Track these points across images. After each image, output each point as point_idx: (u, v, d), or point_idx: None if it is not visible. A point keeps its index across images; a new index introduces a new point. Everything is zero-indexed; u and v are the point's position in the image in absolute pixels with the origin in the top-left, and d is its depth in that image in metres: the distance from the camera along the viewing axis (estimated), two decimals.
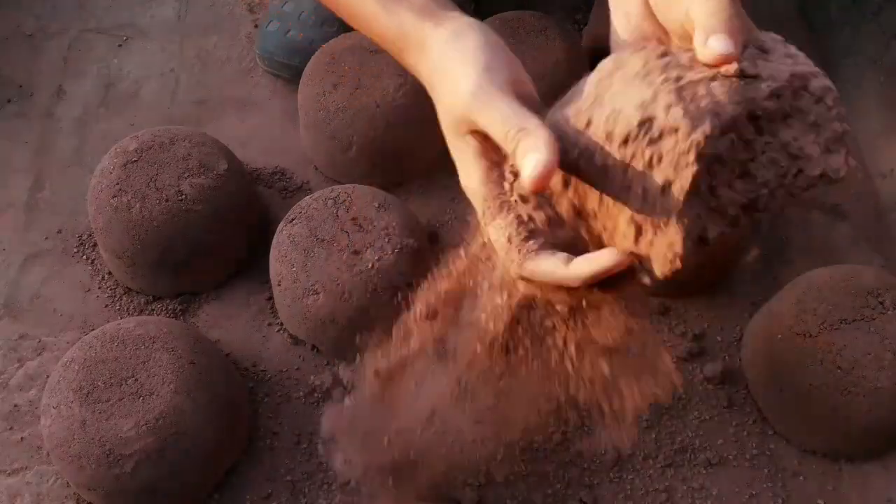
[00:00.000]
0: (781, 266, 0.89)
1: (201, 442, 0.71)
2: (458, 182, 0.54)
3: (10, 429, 0.80)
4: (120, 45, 1.11)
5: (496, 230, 0.50)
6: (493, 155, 0.51)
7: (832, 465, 0.77)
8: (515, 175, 0.49)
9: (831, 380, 0.71)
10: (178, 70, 1.08)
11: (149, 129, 0.87)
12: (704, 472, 0.76)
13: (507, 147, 0.47)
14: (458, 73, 0.50)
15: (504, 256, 0.50)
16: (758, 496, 0.75)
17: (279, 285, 0.81)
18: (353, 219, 0.80)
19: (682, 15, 0.47)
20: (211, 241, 0.85)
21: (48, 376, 0.77)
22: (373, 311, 0.78)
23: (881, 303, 0.73)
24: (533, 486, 0.75)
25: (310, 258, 0.78)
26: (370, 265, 0.78)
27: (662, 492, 0.75)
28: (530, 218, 0.49)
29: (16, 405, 0.81)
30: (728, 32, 0.44)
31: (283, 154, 0.99)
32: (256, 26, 1.11)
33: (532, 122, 0.46)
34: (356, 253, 0.78)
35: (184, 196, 0.82)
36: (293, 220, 0.81)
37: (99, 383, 0.71)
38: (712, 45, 0.44)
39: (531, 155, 0.44)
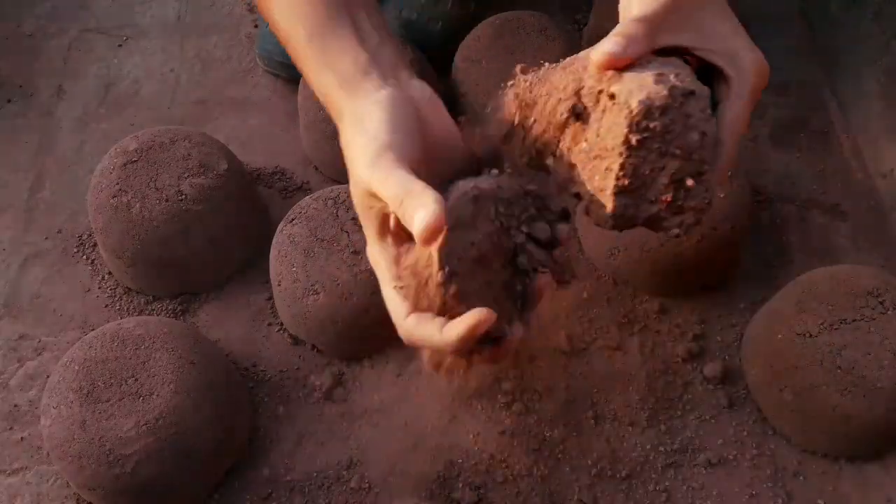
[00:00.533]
0: (781, 266, 0.89)
1: (201, 442, 0.71)
2: None
3: (10, 429, 0.80)
4: (120, 45, 1.12)
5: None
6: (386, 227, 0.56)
7: (832, 465, 0.77)
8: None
9: (831, 380, 0.71)
10: (178, 70, 1.08)
11: (149, 129, 0.87)
12: (704, 472, 0.76)
13: (397, 211, 0.49)
14: (358, 151, 0.53)
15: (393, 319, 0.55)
16: (758, 496, 0.75)
17: (279, 285, 0.81)
18: (354, 219, 0.80)
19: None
20: (211, 241, 0.85)
21: (48, 376, 0.77)
22: (373, 311, 0.78)
23: (881, 303, 0.74)
24: (532, 485, 0.75)
25: (310, 258, 0.78)
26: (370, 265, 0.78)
27: (662, 492, 0.75)
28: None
29: (16, 405, 0.81)
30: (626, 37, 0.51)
31: (283, 154, 0.99)
32: (256, 26, 1.11)
33: (417, 185, 0.49)
34: (356, 253, 0.78)
35: (184, 196, 0.82)
36: (293, 220, 0.81)
37: (99, 383, 0.71)
38: (599, 46, 0.51)
39: (420, 212, 0.47)
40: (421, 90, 0.57)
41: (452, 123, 0.58)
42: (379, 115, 0.53)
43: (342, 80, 0.57)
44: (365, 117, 0.54)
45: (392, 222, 0.55)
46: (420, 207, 0.47)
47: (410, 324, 0.51)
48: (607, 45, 0.51)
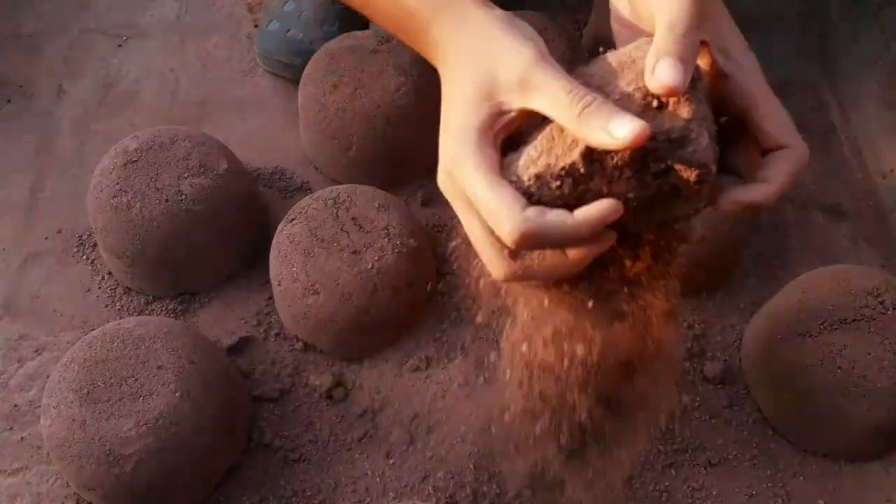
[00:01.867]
0: (781, 266, 0.89)
1: (201, 442, 0.71)
2: None
3: (10, 429, 0.80)
4: (120, 45, 1.12)
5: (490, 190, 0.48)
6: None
7: (832, 465, 0.77)
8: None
9: (831, 380, 0.71)
10: (178, 70, 1.08)
11: (149, 129, 0.87)
12: (704, 472, 0.76)
13: (573, 110, 0.46)
14: (518, 43, 0.49)
15: (501, 217, 0.48)
16: (758, 496, 0.75)
17: (279, 285, 0.81)
18: (353, 219, 0.80)
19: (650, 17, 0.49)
20: (211, 240, 0.85)
21: (48, 376, 0.77)
22: (373, 310, 0.78)
23: (881, 303, 0.73)
24: (532, 486, 0.75)
25: (310, 258, 0.78)
26: (370, 265, 0.78)
27: (662, 492, 0.75)
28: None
29: (16, 405, 0.81)
30: (679, 57, 0.45)
31: (283, 154, 0.99)
32: (256, 26, 1.11)
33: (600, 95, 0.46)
34: (356, 253, 0.78)
35: (184, 196, 0.82)
36: (293, 220, 0.81)
37: (99, 383, 0.71)
38: (659, 74, 0.45)
39: (620, 118, 0.44)
40: None
41: None
42: (515, 29, 0.50)
43: None
44: (518, 21, 0.51)
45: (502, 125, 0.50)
46: (616, 114, 0.44)
47: (532, 213, 0.46)
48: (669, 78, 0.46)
